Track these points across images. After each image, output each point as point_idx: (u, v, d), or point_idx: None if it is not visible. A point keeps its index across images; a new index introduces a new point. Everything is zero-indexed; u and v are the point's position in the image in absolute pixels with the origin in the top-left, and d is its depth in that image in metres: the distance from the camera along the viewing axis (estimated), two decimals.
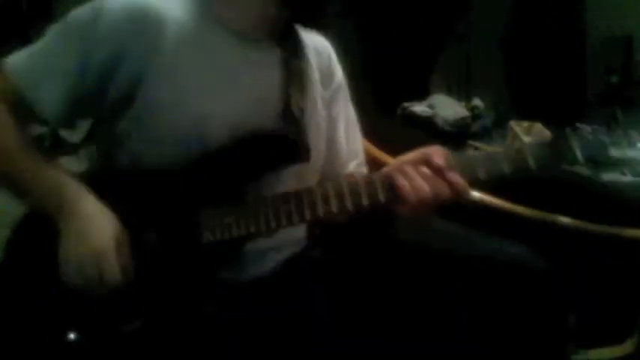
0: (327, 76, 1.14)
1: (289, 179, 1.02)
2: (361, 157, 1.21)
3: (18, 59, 1.00)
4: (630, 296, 1.48)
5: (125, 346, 0.94)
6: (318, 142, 1.09)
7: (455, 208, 1.02)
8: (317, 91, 1.11)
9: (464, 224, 1.51)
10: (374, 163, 1.22)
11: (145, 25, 0.94)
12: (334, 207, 0.95)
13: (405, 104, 2.28)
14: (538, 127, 1.95)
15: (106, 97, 0.97)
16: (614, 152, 0.94)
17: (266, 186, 1.00)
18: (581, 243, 1.50)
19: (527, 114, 2.15)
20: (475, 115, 2.24)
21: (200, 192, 0.98)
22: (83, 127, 1.80)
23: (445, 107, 2.22)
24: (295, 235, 1.11)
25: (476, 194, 1.58)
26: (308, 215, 0.96)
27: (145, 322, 0.95)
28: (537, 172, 0.96)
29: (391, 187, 0.95)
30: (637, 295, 1.46)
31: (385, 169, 0.98)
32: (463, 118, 2.19)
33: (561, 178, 1.67)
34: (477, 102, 2.29)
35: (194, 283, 0.98)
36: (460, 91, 3.04)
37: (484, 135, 2.19)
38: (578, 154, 0.94)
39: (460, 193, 0.94)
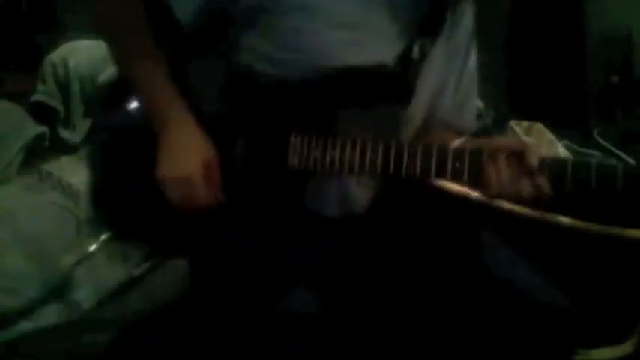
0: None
1: (384, 120, 1.01)
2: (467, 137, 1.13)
3: None
4: (630, 296, 1.47)
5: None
6: (425, 91, 1.06)
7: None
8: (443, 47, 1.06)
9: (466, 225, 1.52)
10: None
11: None
12: (418, 170, 0.93)
13: None
14: (538, 127, 1.95)
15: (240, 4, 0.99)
16: None
17: (360, 122, 0.99)
18: (581, 243, 1.50)
19: (527, 114, 2.15)
20: (475, 115, 2.24)
21: (294, 114, 0.99)
22: (83, 127, 1.80)
23: None
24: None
25: (476, 194, 1.58)
26: (391, 171, 0.94)
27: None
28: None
29: (477, 171, 0.91)
30: (637, 295, 1.46)
31: (479, 145, 0.94)
32: None
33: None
34: (477, 102, 2.29)
35: (277, 206, 1.02)
36: None
37: (484, 135, 2.19)
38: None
39: (543, 201, 0.90)
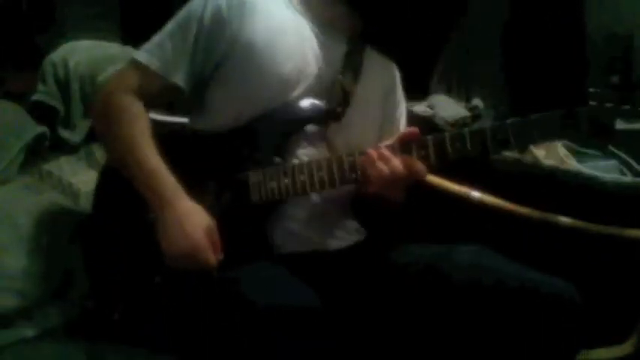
0: (388, 89, 1.37)
1: (317, 139, 1.24)
2: None
3: (150, 56, 1.23)
4: (630, 296, 1.47)
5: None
6: (364, 123, 1.29)
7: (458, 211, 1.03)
8: (374, 89, 1.32)
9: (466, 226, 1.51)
10: None
11: (238, 11, 1.21)
12: (357, 176, 1.15)
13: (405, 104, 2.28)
14: None
15: (209, 66, 1.22)
16: (621, 125, 1.03)
17: (299, 144, 1.21)
18: (581, 243, 1.50)
19: (528, 114, 2.14)
20: (475, 115, 2.24)
21: (247, 153, 1.18)
22: (83, 127, 1.80)
23: (445, 107, 2.22)
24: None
25: (476, 194, 1.58)
26: (338, 182, 1.16)
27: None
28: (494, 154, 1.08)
29: (353, 166, 1.14)
30: (637, 295, 1.46)
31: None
32: (463, 118, 2.19)
33: (561, 178, 1.67)
34: (477, 102, 2.29)
35: (246, 242, 1.16)
36: (460, 91, 3.04)
37: None
38: (584, 126, 1.03)
39: (415, 173, 1.11)
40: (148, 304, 1.19)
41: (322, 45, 1.25)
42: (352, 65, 1.27)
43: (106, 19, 2.49)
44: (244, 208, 1.17)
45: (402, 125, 1.38)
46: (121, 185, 1.20)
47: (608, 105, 1.03)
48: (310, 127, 1.22)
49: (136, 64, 1.23)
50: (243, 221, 1.17)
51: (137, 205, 1.17)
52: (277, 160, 1.18)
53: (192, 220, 1.11)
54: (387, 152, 1.12)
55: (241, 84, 1.21)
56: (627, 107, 1.02)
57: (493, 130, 1.09)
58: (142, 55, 1.23)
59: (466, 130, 1.11)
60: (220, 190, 1.18)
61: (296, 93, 1.22)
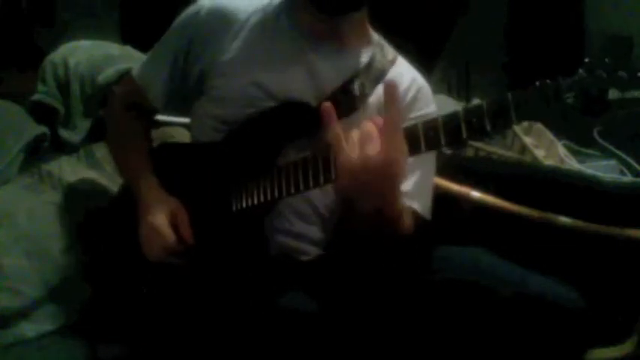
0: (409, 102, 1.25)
1: (306, 148, 1.12)
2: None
3: (139, 67, 1.31)
4: (630, 296, 1.47)
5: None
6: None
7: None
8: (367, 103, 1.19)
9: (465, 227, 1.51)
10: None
11: (225, 25, 1.20)
12: (333, 175, 0.96)
13: None
14: (538, 127, 1.95)
15: (190, 80, 1.23)
16: (613, 94, 0.85)
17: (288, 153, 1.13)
18: (581, 243, 1.50)
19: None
20: None
21: (230, 163, 1.16)
22: (83, 127, 1.80)
23: (445, 107, 2.21)
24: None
25: (476, 194, 1.58)
26: (322, 182, 0.99)
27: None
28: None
29: (325, 161, 0.96)
30: (637, 295, 1.46)
31: None
32: None
33: (561, 178, 1.67)
34: (476, 102, 2.29)
35: (229, 251, 1.14)
36: (460, 91, 3.04)
37: (484, 135, 2.19)
38: (570, 97, 0.85)
39: (389, 154, 0.87)
40: (139, 315, 1.20)
41: (318, 58, 1.19)
42: (363, 76, 1.19)
43: (106, 20, 2.50)
44: (227, 216, 1.14)
45: None
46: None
47: (600, 73, 0.85)
48: (300, 138, 1.14)
49: (129, 74, 1.33)
50: (231, 230, 1.15)
51: (128, 213, 1.21)
52: (262, 168, 1.12)
53: (154, 205, 1.16)
54: (365, 130, 0.90)
55: (223, 98, 1.19)
56: (623, 74, 0.84)
57: (467, 112, 0.89)
58: (137, 66, 1.32)
59: (439, 117, 0.92)
60: (202, 201, 1.17)
61: (280, 105, 1.17)
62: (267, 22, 1.21)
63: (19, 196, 1.53)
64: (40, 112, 1.74)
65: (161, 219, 1.14)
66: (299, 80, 1.18)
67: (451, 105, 2.28)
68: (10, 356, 1.29)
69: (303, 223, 1.20)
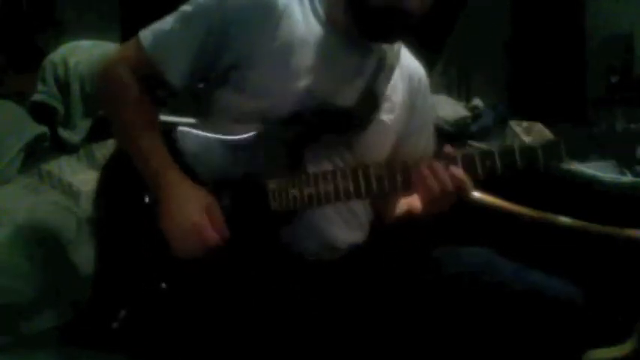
0: (414, 92, 1.29)
1: (338, 148, 1.18)
2: None
3: (150, 37, 1.17)
4: (630, 296, 1.47)
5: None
6: (388, 131, 1.24)
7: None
8: (398, 93, 1.25)
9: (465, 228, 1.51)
10: None
11: (265, 13, 1.14)
12: (387, 187, 1.10)
13: None
14: (538, 127, 1.95)
15: (219, 65, 1.16)
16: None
17: (319, 153, 1.15)
18: (581, 243, 1.50)
19: (527, 114, 2.14)
20: (475, 115, 2.24)
21: (266, 162, 1.13)
22: (83, 127, 1.80)
23: (445, 107, 2.22)
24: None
25: (476, 194, 1.57)
26: (363, 193, 1.10)
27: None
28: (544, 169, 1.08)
29: (406, 177, 1.09)
30: (637, 295, 1.46)
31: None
32: (463, 118, 2.19)
33: (561, 178, 1.67)
34: (477, 102, 2.29)
35: (262, 248, 1.13)
36: (460, 91, 3.04)
37: (484, 135, 2.19)
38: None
39: (461, 188, 1.07)
40: (151, 312, 1.16)
41: (346, 55, 1.19)
42: (382, 73, 1.21)
43: (106, 19, 2.50)
44: (262, 215, 1.12)
45: (426, 137, 1.33)
46: (123, 182, 1.18)
47: (634, 127, 1.02)
48: (332, 136, 1.16)
49: (137, 40, 1.18)
50: (260, 228, 1.13)
51: (141, 205, 1.15)
52: (296, 167, 1.13)
53: (190, 200, 1.09)
54: (439, 167, 1.08)
55: (256, 92, 1.15)
56: None
57: (544, 148, 1.10)
58: (146, 34, 1.17)
59: (517, 145, 1.10)
60: (237, 197, 1.13)
61: (313, 102, 1.16)
62: (307, 16, 1.18)
63: (19, 195, 1.53)
64: (40, 112, 1.74)
65: (200, 216, 1.08)
66: (337, 79, 1.18)
67: (452, 105, 2.28)
68: (10, 356, 1.29)
69: (338, 225, 1.21)
